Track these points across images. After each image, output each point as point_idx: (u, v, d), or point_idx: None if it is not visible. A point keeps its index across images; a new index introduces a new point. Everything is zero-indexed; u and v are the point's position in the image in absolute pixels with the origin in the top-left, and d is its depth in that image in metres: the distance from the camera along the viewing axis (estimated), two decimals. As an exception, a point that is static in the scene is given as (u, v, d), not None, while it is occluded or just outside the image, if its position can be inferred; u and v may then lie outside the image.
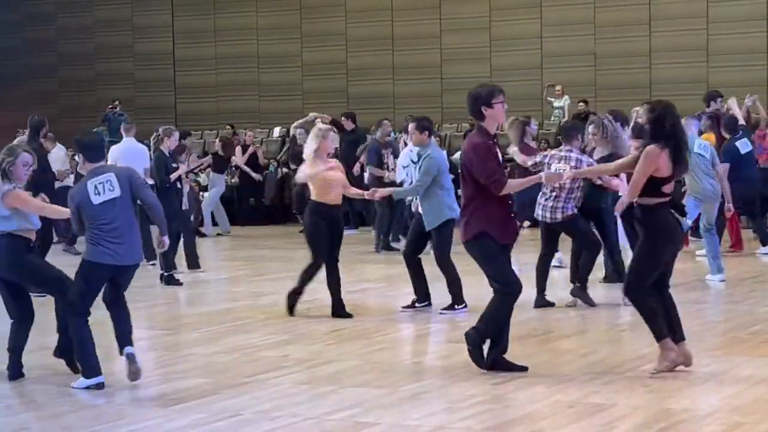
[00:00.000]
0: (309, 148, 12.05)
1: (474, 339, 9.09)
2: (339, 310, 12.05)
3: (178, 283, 15.20)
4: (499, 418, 7.73)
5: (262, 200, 26.14)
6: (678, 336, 9.08)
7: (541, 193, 12.47)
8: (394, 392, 8.60)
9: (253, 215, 25.64)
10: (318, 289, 14.68)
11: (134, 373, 8.84)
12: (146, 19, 33.24)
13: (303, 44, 31.56)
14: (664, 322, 8.99)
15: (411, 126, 12.53)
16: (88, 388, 8.75)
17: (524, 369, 9.11)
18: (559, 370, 9.25)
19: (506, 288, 9.04)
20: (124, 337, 9.00)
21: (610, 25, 28.40)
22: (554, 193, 12.29)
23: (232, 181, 25.78)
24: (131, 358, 8.85)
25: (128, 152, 17.45)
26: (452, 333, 11.02)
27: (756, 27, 27.26)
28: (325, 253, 11.99)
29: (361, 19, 30.78)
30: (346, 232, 22.65)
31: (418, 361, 10.01)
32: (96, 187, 8.79)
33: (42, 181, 14.73)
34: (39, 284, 9.50)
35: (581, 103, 26.81)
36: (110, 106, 29.88)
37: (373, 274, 15.96)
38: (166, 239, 9.33)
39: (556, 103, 27.88)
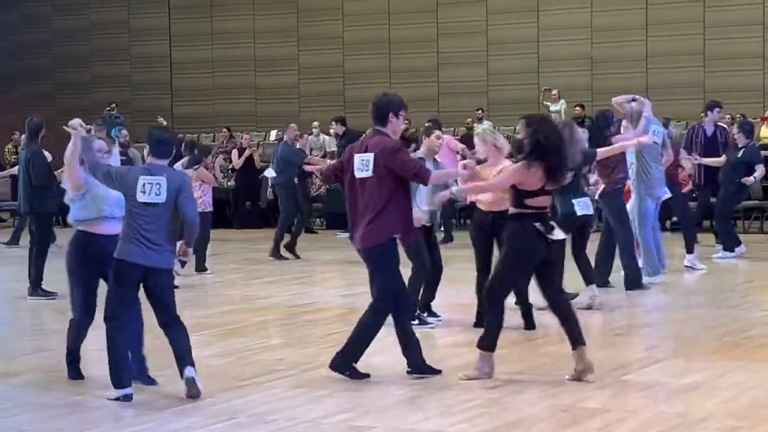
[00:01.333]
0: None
1: (343, 366, 9.08)
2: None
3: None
4: (494, 422, 7.73)
5: (259, 203, 26.13)
6: (579, 341, 9.06)
7: None
8: (390, 396, 8.60)
9: (249, 218, 25.63)
10: (314, 293, 14.68)
11: (193, 397, 8.55)
12: (143, 21, 33.26)
13: (300, 47, 31.60)
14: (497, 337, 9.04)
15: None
16: (117, 399, 8.45)
17: (367, 376, 9.13)
18: (554, 375, 9.24)
19: (385, 303, 9.12)
20: (182, 360, 8.60)
21: (607, 30, 28.46)
22: None
23: (228, 184, 25.79)
24: (191, 382, 8.53)
25: None
26: (448, 337, 11.02)
27: (752, 32, 27.32)
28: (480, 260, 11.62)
29: (357, 22, 30.82)
30: (342, 235, 22.77)
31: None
32: (144, 185, 8.47)
33: (44, 183, 14.72)
34: (72, 289, 9.22)
35: (578, 107, 26.85)
36: (107, 109, 29.88)
37: (364, 278, 15.91)
38: (191, 251, 9.13)
39: (552, 107, 27.90)
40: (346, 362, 9.11)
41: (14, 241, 21.85)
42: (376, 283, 9.18)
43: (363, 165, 9.00)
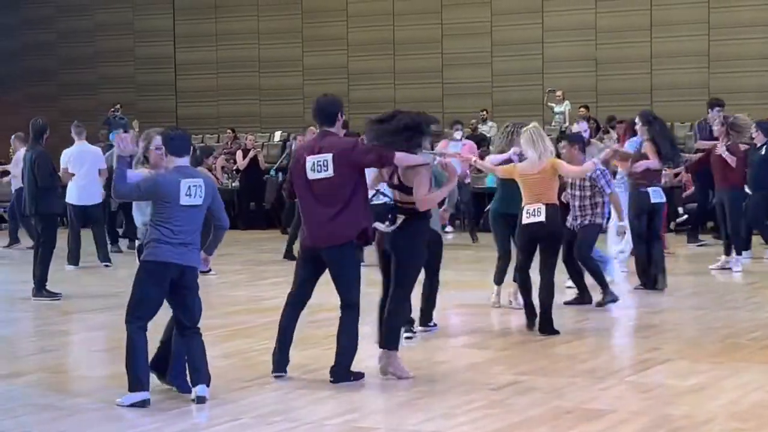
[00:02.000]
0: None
1: (344, 375, 9.10)
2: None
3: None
4: (497, 423, 7.72)
5: (263, 204, 26.13)
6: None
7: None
8: (393, 397, 8.60)
9: (253, 219, 25.63)
10: (317, 294, 14.65)
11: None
12: (147, 22, 33.25)
13: (304, 48, 31.58)
14: None
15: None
16: (132, 405, 8.30)
17: (361, 375, 9.23)
18: (558, 376, 9.24)
19: (356, 301, 9.30)
20: (196, 373, 8.50)
21: (612, 31, 28.41)
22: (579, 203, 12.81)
23: (233, 185, 25.80)
24: (201, 401, 8.40)
25: (81, 155, 17.70)
26: (452, 339, 11.01)
27: (757, 33, 27.25)
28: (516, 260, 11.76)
29: (362, 23, 30.79)
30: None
31: (417, 366, 9.98)
32: (189, 188, 8.42)
33: (50, 184, 14.73)
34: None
35: (582, 109, 26.80)
36: (111, 110, 29.89)
37: (365, 279, 15.91)
38: (211, 259, 8.99)
39: (556, 109, 27.87)
40: (345, 371, 9.12)
41: (14, 241, 21.90)
42: (347, 285, 9.20)
43: (319, 166, 8.97)
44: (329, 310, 12.24)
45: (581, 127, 15.02)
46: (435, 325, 11.58)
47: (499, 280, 12.71)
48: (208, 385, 8.46)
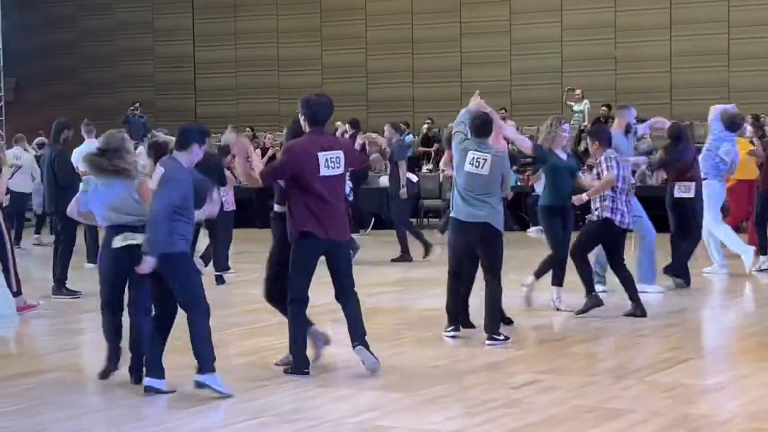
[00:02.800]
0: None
1: (367, 342, 9.31)
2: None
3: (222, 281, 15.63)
4: (517, 422, 7.70)
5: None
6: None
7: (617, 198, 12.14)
8: (413, 396, 8.58)
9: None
10: (327, 293, 14.65)
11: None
12: (167, 21, 33.33)
13: (323, 47, 31.60)
14: None
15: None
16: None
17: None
18: (578, 375, 9.21)
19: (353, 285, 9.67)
20: (200, 359, 8.56)
21: (631, 29, 28.35)
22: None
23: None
24: (199, 386, 8.50)
25: None
26: (471, 337, 10.98)
27: (777, 31, 27.17)
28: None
29: (380, 22, 30.80)
30: (355, 236, 22.62)
31: (437, 364, 9.98)
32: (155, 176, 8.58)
33: (70, 183, 14.75)
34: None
35: (604, 107, 26.73)
36: (131, 109, 29.95)
37: (388, 277, 15.94)
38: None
39: (576, 107, 27.83)
40: (365, 337, 9.33)
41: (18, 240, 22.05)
42: (349, 273, 9.49)
43: (332, 162, 9.10)
44: (335, 311, 12.26)
45: (632, 114, 14.56)
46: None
47: (552, 276, 12.38)
48: (212, 372, 8.49)
